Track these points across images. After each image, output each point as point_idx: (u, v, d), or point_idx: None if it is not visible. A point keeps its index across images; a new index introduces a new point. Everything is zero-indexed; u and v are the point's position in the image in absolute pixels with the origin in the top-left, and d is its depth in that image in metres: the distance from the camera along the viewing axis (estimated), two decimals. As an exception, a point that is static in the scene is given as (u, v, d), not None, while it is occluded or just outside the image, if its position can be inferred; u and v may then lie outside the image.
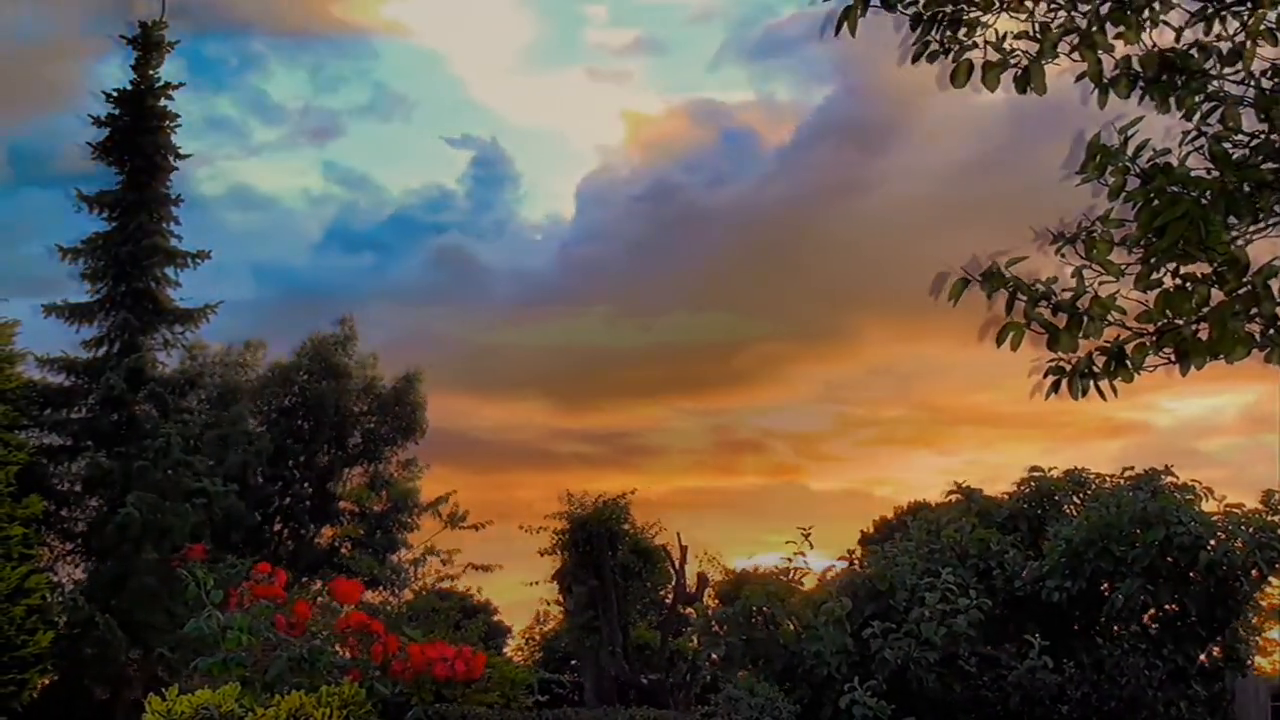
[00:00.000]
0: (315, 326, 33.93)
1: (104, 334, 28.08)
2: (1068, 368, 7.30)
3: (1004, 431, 45.81)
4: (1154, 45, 7.31)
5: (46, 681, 26.64)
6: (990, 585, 19.46)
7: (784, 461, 48.06)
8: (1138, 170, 7.16)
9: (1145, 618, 19.22)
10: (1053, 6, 7.62)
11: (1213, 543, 18.42)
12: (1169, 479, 19.52)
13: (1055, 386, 7.35)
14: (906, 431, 47.81)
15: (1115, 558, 18.64)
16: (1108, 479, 20.31)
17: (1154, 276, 7.17)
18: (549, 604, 32.24)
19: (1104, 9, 7.35)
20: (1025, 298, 7.07)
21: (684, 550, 30.26)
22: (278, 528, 34.43)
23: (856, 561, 23.68)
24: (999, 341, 7.18)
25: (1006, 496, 21.26)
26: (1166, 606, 18.91)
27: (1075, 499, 20.44)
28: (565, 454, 46.08)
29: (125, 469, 27.32)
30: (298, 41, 48.17)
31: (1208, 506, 19.17)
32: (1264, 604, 19.74)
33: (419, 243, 50.41)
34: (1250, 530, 18.55)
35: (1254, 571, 18.65)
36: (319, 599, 26.38)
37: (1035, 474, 20.98)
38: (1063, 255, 7.13)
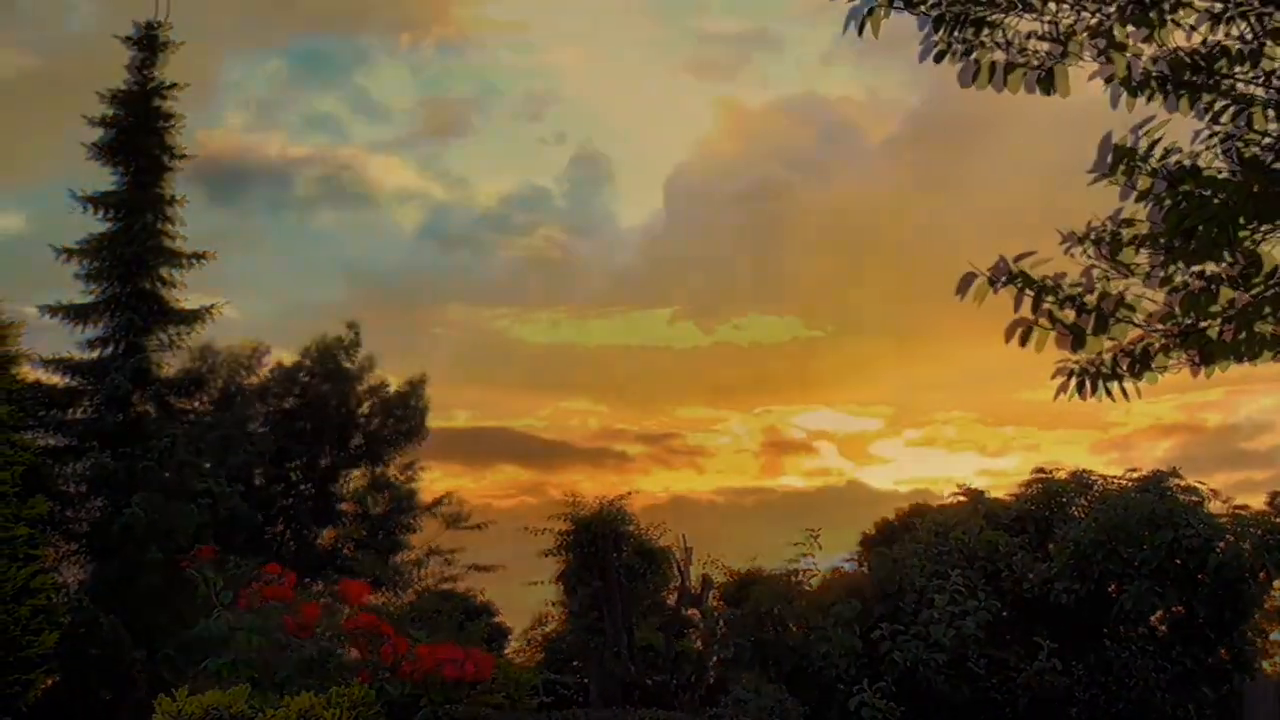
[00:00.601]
0: (394, 326, 34.16)
1: (107, 335, 28.00)
2: (1091, 370, 7.30)
3: (1061, 433, 46.27)
4: (1176, 48, 7.31)
5: (51, 682, 26.56)
6: (998, 587, 19.46)
7: (844, 462, 48.51)
8: (1163, 173, 7.16)
9: (1153, 620, 19.22)
10: (1073, 7, 7.62)
11: (1221, 545, 18.43)
12: (1175, 481, 19.50)
13: (1079, 387, 7.35)
14: (969, 432, 47.94)
15: (1123, 560, 18.64)
16: (1114, 481, 20.28)
17: (1178, 279, 7.17)
18: (553, 604, 32.25)
19: (1128, 11, 7.35)
20: (1050, 299, 7.06)
21: (688, 552, 30.25)
22: (279, 529, 34.36)
23: (862, 563, 23.67)
24: (1023, 342, 7.18)
25: (1013, 499, 21.24)
26: (1174, 609, 18.91)
27: (1081, 501, 20.41)
28: (619, 453, 46.48)
29: (129, 469, 27.23)
30: (403, 40, 48.44)
31: (1214, 508, 19.17)
32: (1268, 606, 19.73)
33: (512, 242, 50.93)
34: (1258, 532, 18.56)
35: (1261, 574, 18.66)
36: (321, 600, 26.38)
37: (1041, 476, 20.95)
38: (1089, 256, 7.13)
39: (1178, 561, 18.50)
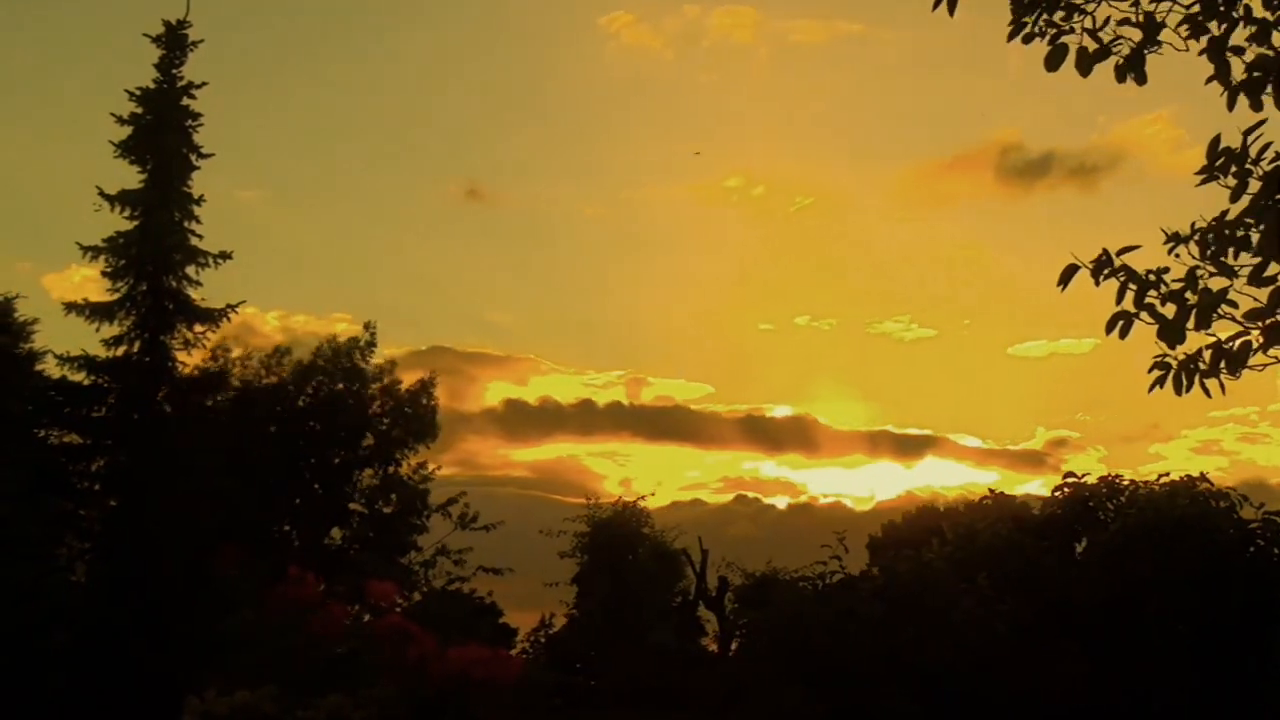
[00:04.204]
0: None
1: (126, 332, 27.85)
2: (1189, 365, 7.26)
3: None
4: (1271, 46, 7.28)
5: (65, 681, 26.41)
6: (1026, 591, 19.39)
7: (1100, 468, 51.89)
8: (1261, 172, 7.14)
9: (1183, 623, 19.15)
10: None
11: (1251, 549, 18.42)
12: (1206, 486, 19.48)
13: (1175, 382, 7.31)
14: (1256, 430, 49.87)
15: (1153, 564, 18.60)
16: (1142, 485, 20.24)
17: (1266, 274, 7.15)
18: (567, 604, 32.21)
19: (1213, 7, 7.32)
20: (1153, 294, 7.04)
21: (704, 554, 30.24)
22: (286, 528, 34.18)
23: (875, 567, 23.63)
24: (1123, 335, 7.15)
25: (1042, 502, 21.23)
26: (1204, 612, 18.84)
27: (1109, 505, 20.37)
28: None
29: (145, 468, 27.12)
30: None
31: (1247, 514, 19.16)
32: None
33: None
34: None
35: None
36: (332, 600, 26.27)
37: (1070, 479, 20.91)
38: (1193, 256, 7.10)
39: (1208, 565, 18.47)
